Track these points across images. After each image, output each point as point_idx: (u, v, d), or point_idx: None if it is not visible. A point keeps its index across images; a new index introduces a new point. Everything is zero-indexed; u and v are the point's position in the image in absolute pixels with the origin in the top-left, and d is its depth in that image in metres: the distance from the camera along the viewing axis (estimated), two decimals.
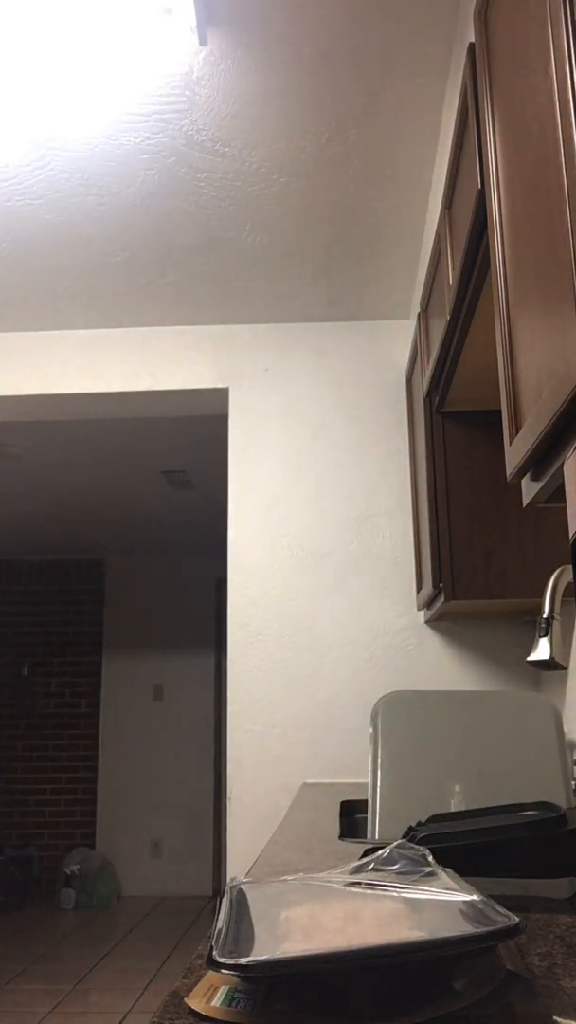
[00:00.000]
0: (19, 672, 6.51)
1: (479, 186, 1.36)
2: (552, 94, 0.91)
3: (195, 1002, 0.59)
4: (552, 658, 1.37)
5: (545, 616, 1.39)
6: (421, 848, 0.81)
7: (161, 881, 6.10)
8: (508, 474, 1.17)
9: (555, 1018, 0.56)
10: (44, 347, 3.17)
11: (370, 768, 1.37)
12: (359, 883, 0.73)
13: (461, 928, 0.60)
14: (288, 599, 2.89)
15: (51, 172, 2.31)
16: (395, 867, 0.78)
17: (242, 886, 0.76)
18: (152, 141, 2.20)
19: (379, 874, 0.77)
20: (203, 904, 5.78)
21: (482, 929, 0.58)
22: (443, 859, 0.79)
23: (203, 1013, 0.58)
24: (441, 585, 2.20)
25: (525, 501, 1.16)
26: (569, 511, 0.87)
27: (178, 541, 6.20)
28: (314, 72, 1.99)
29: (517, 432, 1.12)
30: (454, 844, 0.92)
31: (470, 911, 0.63)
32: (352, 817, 1.87)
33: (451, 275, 1.72)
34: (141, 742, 6.35)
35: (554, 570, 1.45)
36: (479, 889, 0.68)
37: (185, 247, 2.68)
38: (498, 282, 1.23)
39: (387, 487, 2.97)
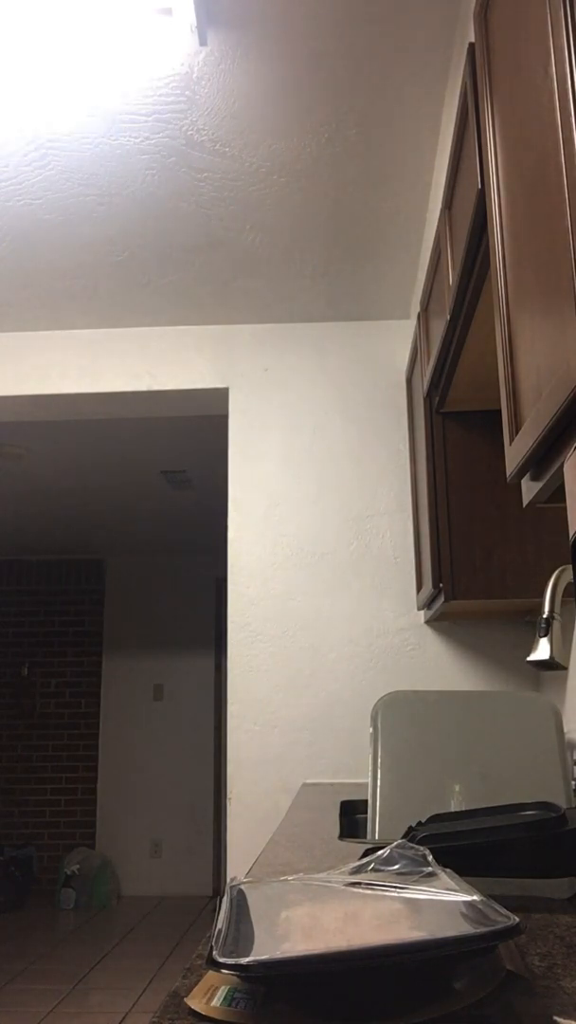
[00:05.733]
0: (19, 672, 6.51)
1: (479, 186, 1.35)
2: (552, 94, 0.91)
3: (195, 1002, 0.59)
4: (552, 658, 1.37)
5: (545, 616, 1.39)
6: (421, 848, 0.81)
7: (161, 881, 6.10)
8: (508, 474, 1.17)
9: (555, 1018, 0.56)
10: (44, 347, 3.17)
11: (370, 768, 1.37)
12: (359, 883, 0.73)
13: (461, 928, 0.60)
14: (288, 599, 2.89)
15: (51, 172, 2.31)
16: (395, 867, 0.78)
17: (242, 886, 0.76)
18: (152, 141, 2.20)
19: (379, 874, 0.77)
20: (203, 904, 5.77)
21: (482, 929, 0.58)
22: (443, 859, 0.79)
23: (203, 1013, 0.58)
24: (441, 585, 2.20)
25: (525, 501, 1.16)
26: (569, 511, 0.87)
27: (178, 541, 6.20)
28: (314, 72, 1.99)
29: (517, 432, 1.12)
30: (454, 844, 0.92)
31: (470, 911, 0.63)
32: (352, 817, 1.87)
33: (451, 275, 1.72)
34: (141, 742, 6.35)
35: (554, 570, 1.45)
36: (479, 889, 0.68)
37: (185, 247, 2.68)
38: (498, 282, 1.23)
39: (387, 487, 2.96)
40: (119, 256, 2.72)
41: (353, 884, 0.73)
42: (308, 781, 2.73)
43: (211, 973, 0.63)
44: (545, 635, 1.38)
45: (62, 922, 5.32)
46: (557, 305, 0.92)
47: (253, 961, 0.54)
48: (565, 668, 1.46)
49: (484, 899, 0.65)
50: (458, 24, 1.86)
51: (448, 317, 1.78)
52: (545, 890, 0.89)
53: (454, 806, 1.30)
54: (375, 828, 1.30)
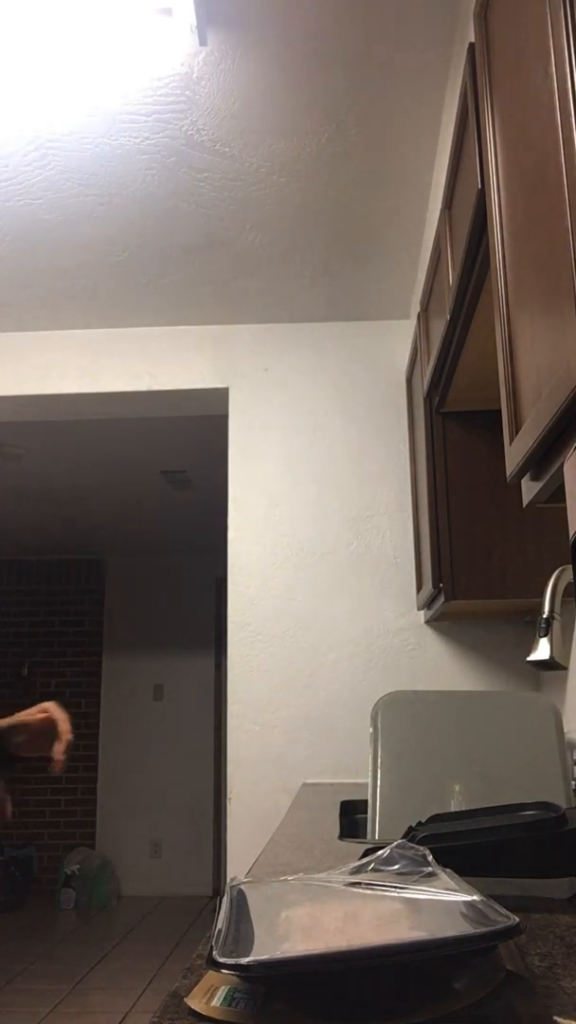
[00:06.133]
0: (19, 672, 6.51)
1: (479, 186, 1.35)
2: (552, 94, 0.91)
3: (195, 1002, 0.59)
4: (552, 658, 1.37)
5: (545, 616, 1.39)
6: (421, 848, 0.81)
7: (161, 881, 6.10)
8: (508, 474, 1.17)
9: (555, 1018, 0.56)
10: (44, 347, 3.17)
11: (370, 768, 1.37)
12: (359, 883, 0.73)
13: (461, 928, 0.60)
14: (288, 599, 2.89)
15: (51, 172, 2.31)
16: (395, 867, 0.78)
17: (242, 886, 0.76)
18: (152, 141, 2.20)
19: (379, 874, 0.77)
20: (203, 904, 5.77)
21: (482, 929, 0.58)
22: (443, 859, 0.79)
23: (203, 1013, 0.58)
24: (441, 585, 2.20)
25: (525, 501, 1.16)
26: (569, 511, 0.87)
27: (178, 541, 6.20)
28: (314, 72, 1.99)
29: (517, 432, 1.12)
30: (454, 844, 0.92)
31: (470, 911, 0.63)
32: (352, 817, 1.87)
33: (451, 275, 1.72)
34: (141, 742, 6.35)
35: (554, 570, 1.45)
36: (479, 889, 0.68)
37: (185, 247, 2.68)
38: (498, 282, 1.23)
39: (387, 487, 2.96)
40: (119, 256, 2.71)
41: (353, 884, 0.73)
42: (308, 781, 2.73)
43: (211, 973, 0.63)
44: (545, 635, 1.38)
45: (62, 922, 5.32)
46: (557, 305, 0.92)
47: (253, 961, 0.54)
48: (565, 668, 1.46)
49: (484, 899, 0.65)
50: (458, 24, 1.86)
51: (448, 317, 1.78)
52: (545, 890, 0.89)
53: (454, 806, 1.30)
54: (375, 828, 1.30)
